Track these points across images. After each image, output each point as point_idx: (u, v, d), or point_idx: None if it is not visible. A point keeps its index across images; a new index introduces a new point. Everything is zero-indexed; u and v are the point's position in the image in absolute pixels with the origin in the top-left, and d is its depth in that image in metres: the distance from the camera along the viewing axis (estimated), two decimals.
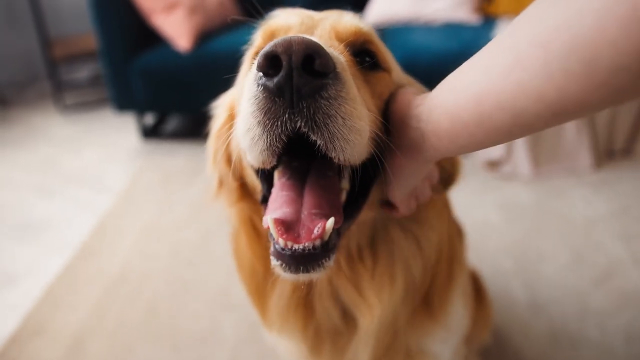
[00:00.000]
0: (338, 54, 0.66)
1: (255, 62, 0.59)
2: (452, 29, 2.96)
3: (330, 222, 0.64)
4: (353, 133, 0.61)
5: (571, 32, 0.43)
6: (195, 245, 2.29)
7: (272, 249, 0.65)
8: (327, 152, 0.61)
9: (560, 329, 1.74)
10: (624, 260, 2.04)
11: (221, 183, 0.95)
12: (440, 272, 0.94)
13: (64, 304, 1.97)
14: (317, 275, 0.64)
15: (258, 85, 0.59)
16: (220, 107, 0.96)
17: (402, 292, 0.87)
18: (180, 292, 2.01)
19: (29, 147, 3.45)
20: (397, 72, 0.86)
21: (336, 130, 0.60)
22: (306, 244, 0.63)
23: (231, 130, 0.77)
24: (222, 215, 1.02)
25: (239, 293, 1.92)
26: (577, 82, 0.44)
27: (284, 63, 0.56)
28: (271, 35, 0.79)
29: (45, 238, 2.43)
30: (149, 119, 3.63)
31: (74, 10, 4.35)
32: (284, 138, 0.60)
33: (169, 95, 3.14)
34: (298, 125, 0.59)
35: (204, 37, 3.05)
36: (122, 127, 3.65)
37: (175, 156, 3.16)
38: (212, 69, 2.90)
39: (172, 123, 3.70)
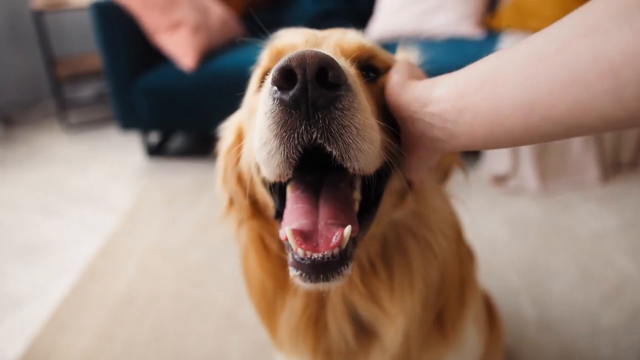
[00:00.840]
0: (348, 66, 0.67)
1: (270, 77, 0.60)
2: (455, 43, 2.97)
3: (348, 230, 0.65)
4: (367, 142, 0.62)
5: None
6: (201, 265, 2.27)
7: (290, 259, 0.66)
8: (342, 162, 0.63)
9: (571, 347, 1.71)
10: (633, 275, 2.01)
11: (231, 202, 0.96)
12: (452, 294, 0.93)
13: (71, 326, 1.95)
14: (336, 284, 0.65)
15: (274, 99, 0.60)
16: (228, 128, 0.98)
17: (422, 299, 0.86)
18: (186, 313, 1.99)
19: (33, 167, 3.46)
20: None
21: (351, 141, 0.61)
22: (325, 253, 0.64)
23: (240, 150, 0.78)
24: (228, 235, 1.02)
25: (246, 313, 1.92)
26: None
27: (299, 76, 0.57)
28: (278, 55, 0.80)
29: (50, 259, 2.41)
30: (154, 137, 3.64)
31: (78, 30, 4.39)
32: (300, 149, 0.61)
33: (174, 114, 3.16)
34: (314, 137, 0.60)
35: (207, 56, 3.06)
36: (126, 146, 3.66)
37: (180, 175, 3.16)
38: (216, 88, 2.91)
39: (177, 141, 3.71)
